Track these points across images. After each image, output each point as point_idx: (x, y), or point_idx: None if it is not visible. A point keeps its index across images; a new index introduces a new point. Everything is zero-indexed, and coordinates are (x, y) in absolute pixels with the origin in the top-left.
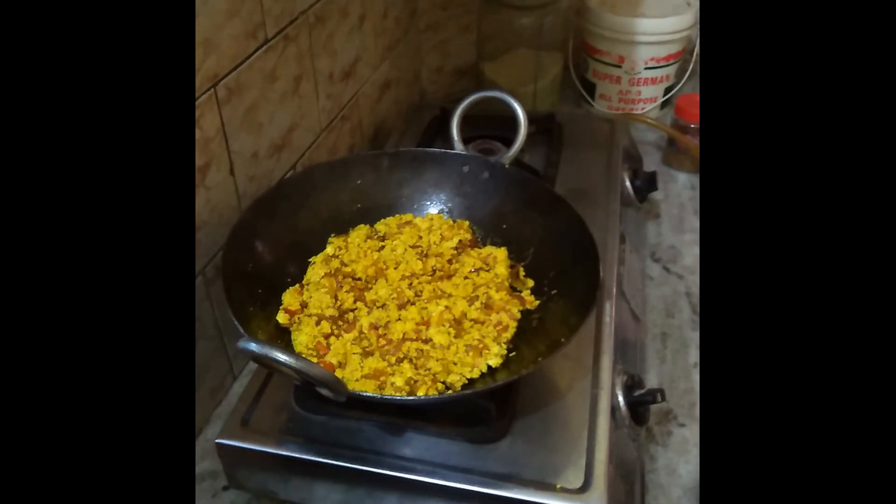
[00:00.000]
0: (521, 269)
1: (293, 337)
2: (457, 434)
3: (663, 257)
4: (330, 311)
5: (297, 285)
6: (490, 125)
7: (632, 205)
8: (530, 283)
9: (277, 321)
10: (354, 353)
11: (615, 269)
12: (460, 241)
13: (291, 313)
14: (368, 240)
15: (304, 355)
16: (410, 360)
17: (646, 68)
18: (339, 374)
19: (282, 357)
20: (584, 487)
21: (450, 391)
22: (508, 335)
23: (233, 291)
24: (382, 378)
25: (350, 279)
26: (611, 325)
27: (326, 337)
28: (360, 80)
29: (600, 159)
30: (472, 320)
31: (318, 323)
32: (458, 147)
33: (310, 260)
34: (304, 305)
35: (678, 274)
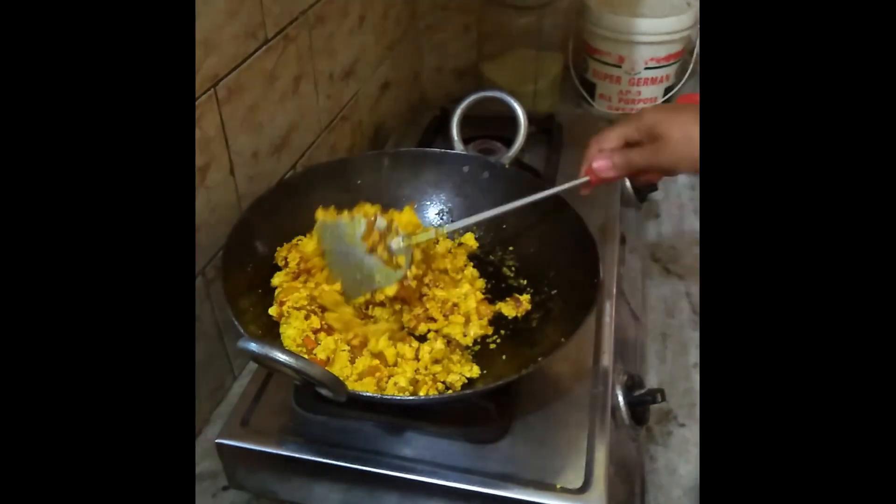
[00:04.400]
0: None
1: (281, 330)
2: (457, 434)
3: (663, 257)
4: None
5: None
6: (490, 125)
7: (632, 205)
8: (523, 281)
9: (287, 346)
10: (343, 350)
11: (615, 269)
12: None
13: (283, 303)
14: None
15: (292, 349)
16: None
17: (646, 68)
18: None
19: (282, 357)
20: (584, 487)
21: (450, 391)
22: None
23: (233, 292)
24: (378, 374)
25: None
26: (611, 325)
27: (316, 332)
28: (360, 80)
29: None
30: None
31: (307, 317)
32: (458, 147)
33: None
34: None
35: (678, 274)
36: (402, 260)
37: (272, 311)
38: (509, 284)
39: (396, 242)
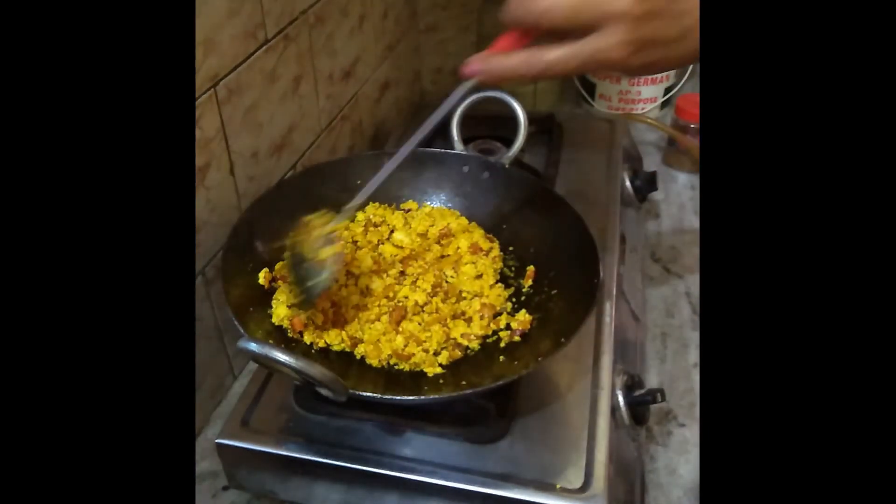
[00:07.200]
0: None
1: (273, 307)
2: (457, 434)
3: (663, 257)
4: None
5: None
6: (490, 125)
7: (632, 205)
8: (523, 281)
9: (277, 323)
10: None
11: (615, 269)
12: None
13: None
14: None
15: (283, 323)
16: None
17: None
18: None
19: (282, 357)
20: (584, 487)
21: (459, 387)
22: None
23: (233, 291)
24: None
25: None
26: (611, 325)
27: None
28: (360, 80)
29: (600, 159)
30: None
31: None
32: (458, 147)
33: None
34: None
35: (678, 274)
36: (325, 254)
37: (261, 276)
38: (510, 284)
39: (317, 240)
